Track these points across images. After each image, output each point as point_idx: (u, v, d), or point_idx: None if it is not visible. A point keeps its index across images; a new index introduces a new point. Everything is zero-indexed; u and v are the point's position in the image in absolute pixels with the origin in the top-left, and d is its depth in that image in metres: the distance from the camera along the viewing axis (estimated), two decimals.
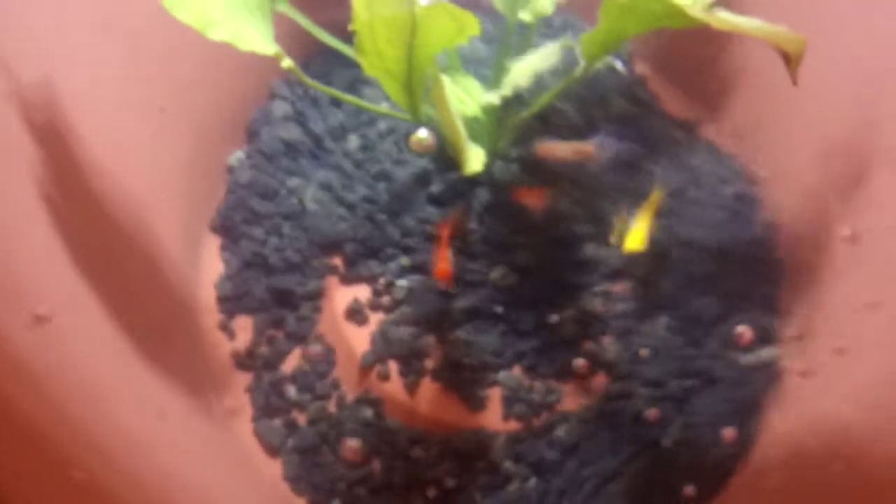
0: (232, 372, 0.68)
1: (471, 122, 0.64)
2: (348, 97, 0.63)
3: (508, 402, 0.64)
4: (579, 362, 0.64)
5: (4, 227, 0.48)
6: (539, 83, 0.58)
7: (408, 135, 0.69)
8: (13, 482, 0.45)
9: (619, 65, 0.71)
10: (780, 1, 0.62)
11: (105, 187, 0.58)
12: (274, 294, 0.69)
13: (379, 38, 0.51)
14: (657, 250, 0.63)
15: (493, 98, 0.58)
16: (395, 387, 0.64)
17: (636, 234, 0.60)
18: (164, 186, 0.65)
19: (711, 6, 0.49)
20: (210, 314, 0.69)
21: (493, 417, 0.64)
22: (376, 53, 0.52)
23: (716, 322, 0.65)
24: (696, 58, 0.77)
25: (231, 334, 0.69)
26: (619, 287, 0.66)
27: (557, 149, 0.66)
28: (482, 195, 0.69)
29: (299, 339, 0.68)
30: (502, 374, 0.64)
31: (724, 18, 0.47)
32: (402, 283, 0.67)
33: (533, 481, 0.62)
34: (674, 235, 0.66)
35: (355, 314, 0.67)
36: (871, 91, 0.60)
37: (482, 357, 0.64)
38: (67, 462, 0.47)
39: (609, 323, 0.65)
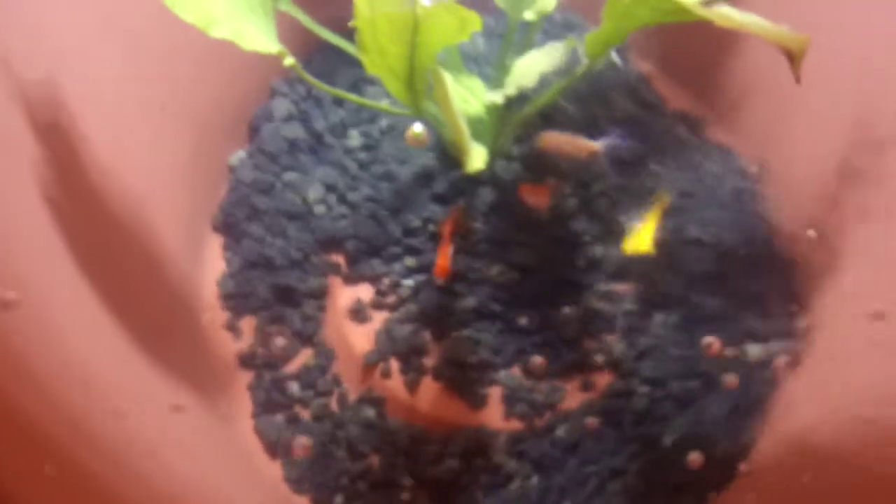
0: (235, 370, 0.68)
1: (474, 121, 0.64)
2: (351, 96, 0.63)
3: (509, 400, 0.64)
4: (581, 361, 0.64)
5: (6, 225, 0.48)
6: (541, 80, 0.58)
7: None
8: (13, 482, 0.45)
9: (614, 56, 0.70)
10: None
11: (106, 185, 0.58)
12: (277, 292, 0.69)
13: (381, 35, 0.51)
14: (661, 249, 0.63)
15: (497, 97, 0.58)
16: (396, 385, 0.64)
17: (641, 236, 0.60)
18: (166, 184, 0.65)
19: (714, 2, 0.49)
20: (213, 312, 0.69)
21: (495, 416, 0.64)
22: (378, 51, 0.52)
23: (719, 321, 0.65)
24: (701, 56, 0.77)
25: (234, 333, 0.69)
26: (623, 286, 0.66)
27: (561, 141, 0.65)
28: (485, 194, 0.69)
29: (304, 337, 0.68)
30: (503, 373, 0.64)
31: (728, 16, 0.46)
32: (408, 282, 0.67)
33: (535, 479, 0.62)
34: (678, 234, 0.66)
35: (358, 313, 0.66)
36: (877, 89, 0.60)
37: (484, 355, 0.64)
38: (68, 461, 0.47)
39: (612, 322, 0.65)
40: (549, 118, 0.71)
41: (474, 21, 0.49)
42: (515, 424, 0.63)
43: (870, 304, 0.56)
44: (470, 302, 0.65)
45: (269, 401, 0.66)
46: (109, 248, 0.57)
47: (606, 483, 0.62)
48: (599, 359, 0.64)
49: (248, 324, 0.69)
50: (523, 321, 0.65)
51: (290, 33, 0.63)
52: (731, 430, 0.62)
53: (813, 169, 0.66)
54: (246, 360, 0.68)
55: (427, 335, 0.65)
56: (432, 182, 0.70)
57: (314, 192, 0.71)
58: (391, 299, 0.67)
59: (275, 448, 0.65)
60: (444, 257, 0.63)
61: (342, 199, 0.71)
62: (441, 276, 0.64)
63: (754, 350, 0.64)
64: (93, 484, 0.48)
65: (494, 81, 0.68)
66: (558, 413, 0.63)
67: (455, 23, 0.49)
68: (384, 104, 0.69)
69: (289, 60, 0.55)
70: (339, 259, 0.69)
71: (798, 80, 0.46)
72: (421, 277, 0.67)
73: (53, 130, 0.53)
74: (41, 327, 0.48)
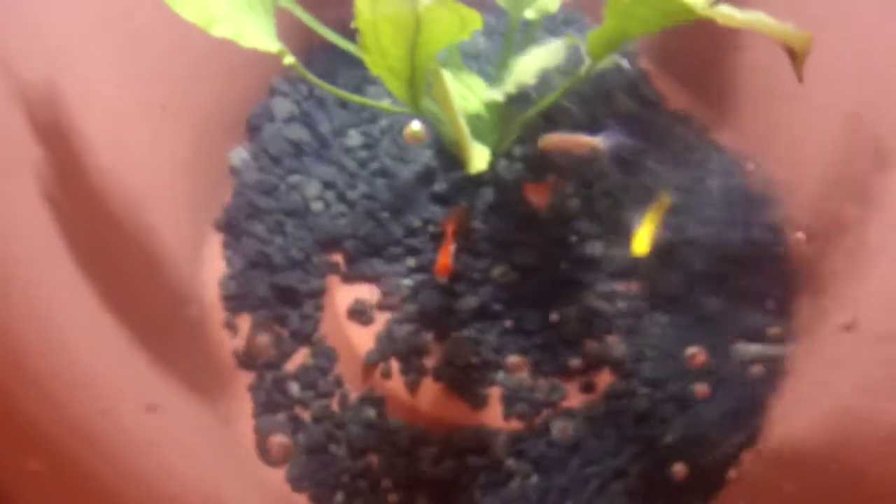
0: (235, 370, 0.68)
1: (473, 119, 0.64)
2: (354, 97, 0.63)
3: (509, 400, 0.63)
4: (582, 361, 0.64)
5: (6, 225, 0.48)
6: (543, 81, 0.58)
7: None
8: (13, 482, 0.45)
9: (624, 62, 0.71)
10: None
11: (106, 185, 0.58)
12: (277, 292, 0.69)
13: (382, 36, 0.51)
14: (662, 249, 0.63)
15: (497, 95, 0.58)
16: (396, 385, 0.64)
17: (641, 238, 0.59)
18: (166, 184, 0.65)
19: (716, 2, 0.49)
20: (215, 312, 0.69)
21: (495, 415, 0.63)
22: (379, 51, 0.52)
23: (720, 321, 0.65)
24: (703, 55, 0.77)
25: (235, 332, 0.69)
26: (624, 286, 0.66)
27: (563, 140, 0.65)
28: (486, 194, 0.69)
29: (303, 337, 0.68)
30: (503, 373, 0.64)
31: (730, 14, 0.46)
32: (408, 282, 0.67)
33: (534, 479, 0.62)
34: (679, 234, 0.66)
35: (358, 313, 0.66)
36: (879, 89, 0.60)
37: (484, 355, 0.64)
38: (68, 461, 0.47)
39: (613, 322, 0.65)
40: (550, 118, 0.71)
41: (475, 19, 0.49)
42: (515, 424, 0.63)
43: (862, 307, 0.56)
44: (470, 302, 0.65)
45: (270, 401, 0.66)
46: (109, 248, 0.57)
47: (607, 483, 0.62)
48: (601, 358, 0.64)
49: (248, 323, 0.69)
50: (525, 320, 0.65)
51: (291, 32, 0.62)
52: (723, 433, 0.62)
53: (813, 169, 0.66)
54: (246, 360, 0.68)
55: (427, 335, 0.65)
56: (433, 182, 0.70)
57: (311, 190, 0.71)
58: (391, 299, 0.67)
59: (275, 448, 0.65)
60: (446, 255, 0.63)
61: (341, 198, 0.71)
62: (443, 274, 0.63)
63: (748, 350, 0.64)
64: (93, 484, 0.48)
65: (495, 80, 0.68)
66: (559, 412, 0.63)
67: (456, 21, 0.49)
68: (386, 104, 0.68)
69: (289, 59, 0.55)
70: (337, 258, 0.69)
71: (800, 78, 0.46)
72: (421, 277, 0.67)
73: (53, 130, 0.53)
74: (41, 327, 0.48)
